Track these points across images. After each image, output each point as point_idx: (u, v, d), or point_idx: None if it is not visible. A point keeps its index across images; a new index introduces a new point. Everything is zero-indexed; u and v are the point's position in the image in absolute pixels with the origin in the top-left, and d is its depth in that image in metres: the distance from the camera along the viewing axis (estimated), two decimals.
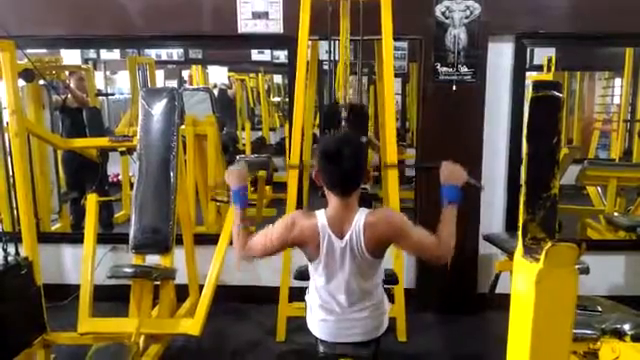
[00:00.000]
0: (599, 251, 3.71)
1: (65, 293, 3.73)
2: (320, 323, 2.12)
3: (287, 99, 4.63)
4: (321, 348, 2.15)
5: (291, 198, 3.34)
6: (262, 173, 5.57)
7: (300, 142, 3.37)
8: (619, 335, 2.06)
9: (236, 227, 2.10)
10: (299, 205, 3.54)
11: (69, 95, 4.92)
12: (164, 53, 7.21)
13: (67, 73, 5.05)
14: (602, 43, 4.32)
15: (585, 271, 2.80)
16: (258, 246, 2.04)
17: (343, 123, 3.30)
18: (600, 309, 2.29)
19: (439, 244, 1.94)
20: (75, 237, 3.92)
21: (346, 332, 2.09)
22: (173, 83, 8.30)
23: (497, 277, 3.33)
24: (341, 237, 1.94)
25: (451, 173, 2.05)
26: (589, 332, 2.09)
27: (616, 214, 4.20)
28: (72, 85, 4.92)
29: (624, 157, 5.86)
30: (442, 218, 1.99)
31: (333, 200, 1.96)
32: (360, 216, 1.94)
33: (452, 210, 2.00)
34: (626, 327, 2.08)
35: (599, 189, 5.02)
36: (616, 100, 6.72)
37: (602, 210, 4.70)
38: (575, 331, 1.48)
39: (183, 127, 4.20)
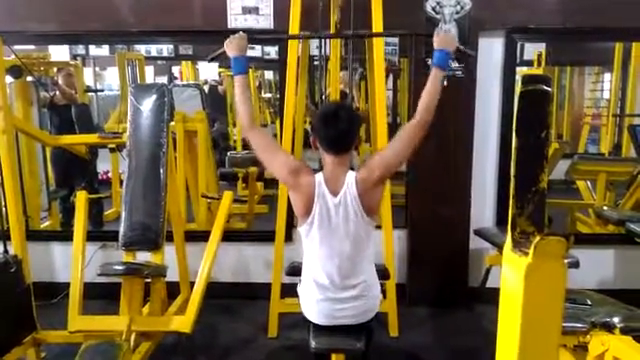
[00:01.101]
0: (589, 245, 3.74)
1: (55, 291, 3.70)
2: (313, 303, 2.15)
3: (278, 95, 4.62)
4: (313, 343, 2.16)
5: (283, 195, 3.34)
6: (253, 169, 5.55)
7: (291, 138, 3.36)
8: (608, 328, 2.08)
9: (242, 96, 2.18)
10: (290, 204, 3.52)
11: (57, 92, 4.87)
12: (154, 49, 7.16)
13: (55, 69, 5.00)
14: (592, 38, 4.34)
15: (575, 265, 2.82)
16: (264, 139, 2.18)
17: None
18: (589, 302, 2.31)
19: (418, 121, 2.11)
20: (65, 235, 3.90)
21: (338, 313, 2.13)
22: (163, 79, 8.24)
23: (488, 271, 3.36)
24: (335, 195, 2.05)
25: (443, 39, 2.21)
26: (579, 325, 2.10)
27: (605, 208, 4.22)
28: (60, 81, 4.87)
29: (613, 151, 5.90)
30: (427, 84, 2.15)
31: (328, 160, 2.10)
32: (351, 176, 2.07)
33: (438, 73, 2.16)
34: (615, 320, 2.10)
35: (589, 183, 5.05)
36: (606, 95, 6.76)
37: (592, 204, 4.73)
38: (565, 324, 1.48)
39: (173, 123, 4.18)
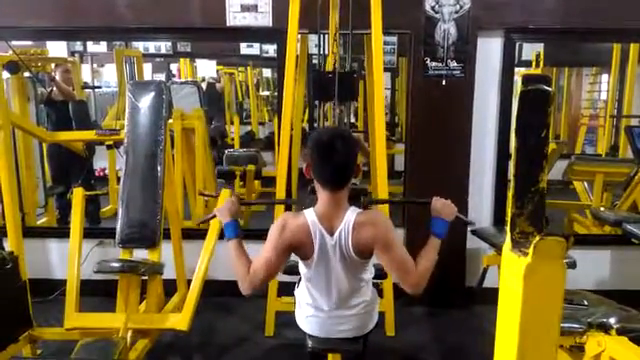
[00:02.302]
0: (585, 246, 3.75)
1: (51, 288, 3.70)
2: (309, 319, 2.11)
3: (276, 93, 4.62)
4: (310, 343, 2.15)
5: (280, 193, 3.33)
6: (251, 167, 5.55)
7: (289, 136, 3.36)
8: (605, 329, 2.09)
9: (239, 260, 2.01)
10: (288, 205, 3.52)
11: (54, 88, 4.85)
12: (152, 46, 7.13)
13: (53, 65, 4.98)
14: (590, 39, 4.35)
15: (572, 265, 2.83)
16: (259, 266, 1.95)
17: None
18: (586, 303, 2.31)
19: (415, 271, 1.93)
20: (61, 231, 3.88)
21: (335, 328, 2.09)
22: (161, 76, 8.22)
23: (485, 271, 3.36)
24: (331, 234, 1.92)
25: (442, 208, 2.08)
26: (575, 326, 2.11)
27: (602, 209, 4.23)
28: (58, 78, 4.85)
29: (611, 152, 5.92)
30: (425, 248, 2.01)
31: (323, 195, 1.94)
32: (351, 215, 1.92)
33: (437, 243, 2.03)
34: (612, 321, 2.10)
35: (586, 184, 5.06)
36: (603, 96, 6.78)
37: (589, 205, 4.74)
38: (562, 325, 1.48)
39: (171, 121, 4.17)
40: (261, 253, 1.96)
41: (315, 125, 4.21)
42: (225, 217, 2.11)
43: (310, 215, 1.93)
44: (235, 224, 2.09)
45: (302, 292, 2.13)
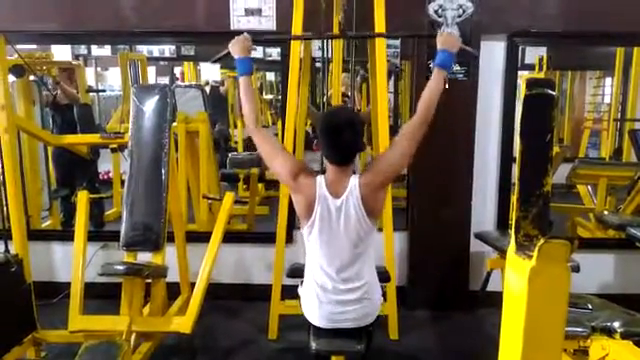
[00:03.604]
0: (589, 249, 3.74)
1: (55, 291, 3.70)
2: (315, 306, 2.16)
3: (279, 97, 4.62)
4: (313, 345, 2.16)
5: (283, 196, 3.33)
6: (254, 170, 5.55)
7: (293, 140, 3.36)
8: (609, 333, 2.08)
9: (246, 95, 2.20)
10: (291, 206, 3.52)
11: (59, 91, 4.87)
12: (156, 49, 7.17)
13: (57, 69, 5.00)
14: (593, 43, 4.35)
15: (575, 269, 2.82)
16: (268, 140, 2.19)
17: None
18: (590, 307, 2.31)
19: (418, 116, 2.10)
20: (65, 234, 3.90)
21: (340, 316, 2.13)
22: (165, 80, 8.25)
23: (488, 275, 3.35)
24: (337, 197, 2.06)
25: (446, 40, 2.18)
26: (579, 330, 2.11)
27: (606, 213, 4.22)
28: (62, 81, 4.87)
29: (614, 156, 5.90)
30: (428, 83, 2.13)
31: (331, 168, 2.10)
32: (354, 179, 2.08)
33: (440, 73, 2.13)
34: (616, 325, 2.10)
35: (589, 188, 5.05)
36: (606, 99, 6.77)
37: (592, 209, 4.73)
38: (566, 328, 1.48)
39: (175, 124, 4.18)
40: (276, 141, 2.30)
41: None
42: (238, 52, 2.26)
43: (320, 179, 2.10)
44: (248, 60, 2.27)
45: (308, 277, 2.20)
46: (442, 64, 2.14)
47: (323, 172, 2.18)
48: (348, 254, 2.10)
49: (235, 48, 2.27)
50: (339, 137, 2.03)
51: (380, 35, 3.20)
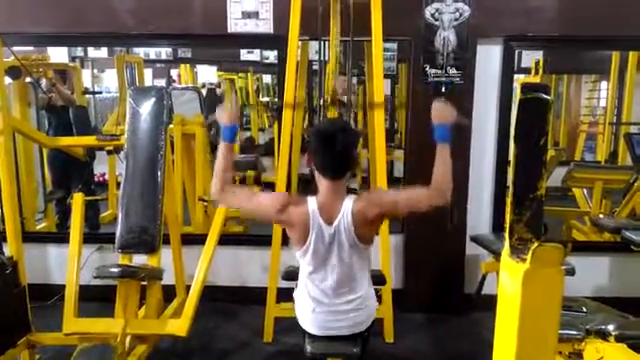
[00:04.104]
0: (584, 252, 3.74)
1: (50, 293, 3.69)
2: (309, 315, 2.14)
3: (276, 99, 4.63)
4: (309, 348, 2.16)
5: None
6: (250, 173, 5.55)
7: (289, 142, 3.37)
8: (603, 336, 2.08)
9: (224, 160, 2.09)
10: None
11: (54, 94, 4.85)
12: (152, 52, 7.16)
13: (52, 71, 4.99)
14: (589, 47, 4.37)
15: (571, 272, 2.83)
16: (240, 195, 2.12)
17: None
18: (585, 310, 2.31)
19: (432, 190, 2.01)
20: (61, 237, 3.88)
21: (334, 324, 2.12)
22: (161, 82, 8.24)
23: (484, 278, 3.35)
24: (330, 224, 2.00)
25: (441, 113, 2.13)
26: (574, 333, 2.11)
27: (601, 216, 4.24)
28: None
29: (610, 159, 5.92)
30: (436, 159, 2.08)
31: (323, 184, 2.03)
32: (348, 203, 2.02)
33: (444, 149, 2.08)
34: (610, 328, 2.10)
35: (585, 191, 5.06)
36: (602, 103, 6.79)
37: (588, 212, 4.75)
38: (560, 332, 1.49)
39: (171, 126, 4.18)
40: (250, 192, 2.17)
41: None
42: (226, 120, 2.17)
43: (312, 204, 2.02)
44: (233, 129, 2.17)
45: (301, 289, 2.17)
46: (441, 138, 2.09)
47: (313, 191, 2.10)
48: (342, 275, 2.07)
49: (223, 116, 2.18)
50: (332, 144, 1.96)
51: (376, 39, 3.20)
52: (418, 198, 2.04)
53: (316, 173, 2.05)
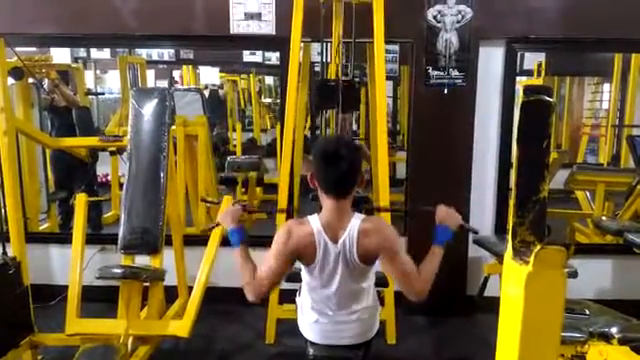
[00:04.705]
0: (587, 255, 3.74)
1: (53, 293, 3.70)
2: (311, 325, 2.12)
3: (278, 100, 4.63)
4: (311, 350, 2.15)
5: (282, 200, 3.34)
6: (253, 174, 5.56)
7: (292, 144, 3.37)
8: (606, 338, 2.09)
9: (245, 266, 2.01)
10: (290, 207, 3.53)
11: (56, 95, 4.86)
12: (155, 53, 7.18)
13: (54, 72, 5.00)
14: (592, 49, 4.36)
15: (573, 275, 2.83)
16: (264, 275, 1.95)
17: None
18: (588, 312, 2.31)
19: (419, 278, 1.96)
20: (63, 237, 3.89)
21: (336, 335, 2.09)
22: (164, 83, 8.26)
23: (486, 280, 3.35)
24: (335, 242, 1.94)
25: (447, 216, 2.12)
26: (577, 335, 2.11)
27: (604, 218, 4.22)
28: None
29: (612, 162, 5.92)
30: (428, 256, 2.03)
31: (327, 203, 1.96)
32: (355, 222, 1.94)
33: (440, 250, 2.05)
34: (613, 330, 2.10)
35: (587, 193, 5.06)
36: (605, 105, 6.78)
37: (590, 214, 4.74)
38: (563, 334, 1.49)
39: (174, 127, 4.18)
40: (265, 261, 1.97)
41: (317, 132, 4.21)
42: (228, 223, 2.12)
43: (315, 223, 1.95)
44: (239, 230, 2.09)
45: (304, 298, 2.14)
46: (442, 242, 2.07)
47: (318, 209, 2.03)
48: (347, 291, 2.03)
49: (226, 220, 2.14)
50: (337, 162, 1.88)
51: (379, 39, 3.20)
52: (410, 275, 1.95)
53: (320, 192, 1.98)
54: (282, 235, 1.96)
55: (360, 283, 2.04)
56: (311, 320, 2.11)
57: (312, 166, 1.97)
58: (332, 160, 1.89)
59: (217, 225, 2.30)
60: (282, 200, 3.33)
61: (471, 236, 3.65)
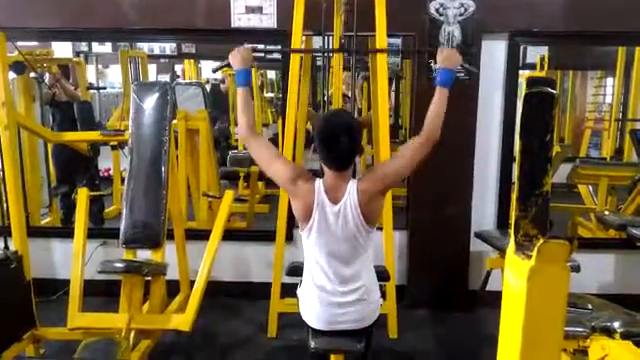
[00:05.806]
0: (590, 249, 3.74)
1: (55, 288, 3.71)
2: (313, 304, 2.14)
3: (280, 95, 4.62)
4: (312, 343, 2.16)
5: (284, 195, 3.33)
6: (254, 168, 5.54)
7: (293, 138, 3.36)
8: (609, 333, 2.08)
9: (245, 107, 2.16)
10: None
11: (57, 89, 4.85)
12: (156, 47, 7.16)
13: (56, 66, 4.99)
14: (595, 42, 4.34)
15: (576, 269, 2.82)
16: (262, 149, 2.15)
17: None
18: (590, 307, 2.30)
19: (422, 137, 2.11)
20: (65, 231, 3.89)
21: (338, 318, 2.12)
22: (165, 77, 8.24)
23: (488, 274, 3.35)
24: (335, 203, 2.05)
25: (447, 57, 2.19)
26: (579, 329, 2.10)
27: (607, 213, 4.21)
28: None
29: (615, 156, 5.90)
30: (433, 100, 2.14)
31: (329, 173, 2.09)
32: (352, 185, 2.06)
33: (443, 92, 2.14)
34: (616, 325, 2.09)
35: (590, 188, 5.04)
36: (608, 99, 6.76)
37: (593, 208, 4.73)
38: (565, 328, 1.48)
39: (175, 122, 4.18)
40: (273, 148, 2.19)
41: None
42: (239, 64, 2.23)
43: (319, 184, 2.07)
44: (247, 72, 2.23)
45: (306, 277, 2.19)
46: (444, 82, 2.14)
47: (322, 174, 2.16)
48: (346, 255, 2.09)
49: (236, 59, 2.24)
50: (336, 144, 2.01)
51: (380, 51, 3.19)
52: (412, 155, 2.09)
53: (320, 160, 2.11)
54: (292, 169, 2.12)
55: (358, 251, 2.10)
56: (313, 298, 2.14)
57: (315, 140, 2.08)
58: (332, 144, 2.02)
59: (228, 65, 2.35)
60: (284, 194, 3.32)
61: (473, 230, 3.65)
